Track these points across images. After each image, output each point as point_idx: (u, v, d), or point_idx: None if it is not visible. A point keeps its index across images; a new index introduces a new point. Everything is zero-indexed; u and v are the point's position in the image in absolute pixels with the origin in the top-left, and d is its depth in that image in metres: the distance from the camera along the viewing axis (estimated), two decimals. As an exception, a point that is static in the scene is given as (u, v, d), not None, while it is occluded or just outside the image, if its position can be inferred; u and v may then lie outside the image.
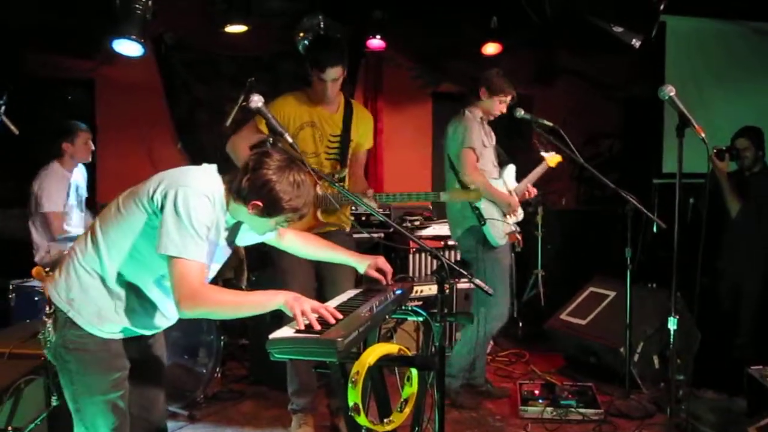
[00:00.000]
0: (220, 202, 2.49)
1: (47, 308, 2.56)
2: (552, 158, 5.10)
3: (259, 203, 2.43)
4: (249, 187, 2.43)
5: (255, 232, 2.65)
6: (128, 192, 2.55)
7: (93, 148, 5.29)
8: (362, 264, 3.08)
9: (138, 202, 2.45)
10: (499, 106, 4.78)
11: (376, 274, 3.06)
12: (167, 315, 2.67)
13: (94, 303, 2.49)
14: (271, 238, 2.90)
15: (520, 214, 4.97)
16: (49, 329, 2.54)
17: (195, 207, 2.35)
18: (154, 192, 2.41)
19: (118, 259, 2.49)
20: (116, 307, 2.52)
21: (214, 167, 2.59)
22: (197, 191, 2.37)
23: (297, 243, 3.10)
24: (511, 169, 5.06)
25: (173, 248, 2.32)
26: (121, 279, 2.51)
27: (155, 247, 2.36)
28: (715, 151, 5.15)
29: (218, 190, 2.49)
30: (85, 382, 2.52)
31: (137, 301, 2.56)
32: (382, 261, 3.07)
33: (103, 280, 2.50)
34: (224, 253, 2.69)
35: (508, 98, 4.78)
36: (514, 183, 5.04)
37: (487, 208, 4.60)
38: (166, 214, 2.34)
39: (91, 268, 2.50)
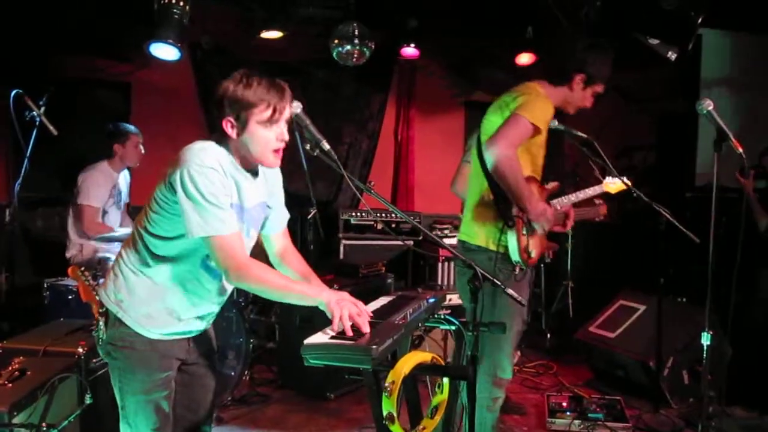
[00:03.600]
0: (231, 164, 2.47)
1: (100, 307, 2.60)
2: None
3: (230, 117, 2.43)
4: (216, 114, 2.45)
5: (263, 153, 2.50)
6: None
7: (143, 152, 5.27)
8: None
9: (158, 190, 2.45)
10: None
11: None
12: (214, 301, 2.68)
13: (142, 303, 2.52)
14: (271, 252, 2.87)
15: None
16: (101, 327, 2.58)
17: (201, 182, 2.32)
18: (167, 177, 2.40)
19: (158, 250, 2.51)
20: (163, 304, 2.54)
21: (211, 142, 2.50)
22: (199, 165, 2.34)
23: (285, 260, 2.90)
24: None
25: (200, 230, 2.33)
26: (164, 272, 2.53)
27: (186, 232, 2.37)
28: (740, 168, 5.08)
29: (223, 155, 2.45)
30: (130, 379, 2.55)
31: (183, 293, 2.57)
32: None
33: (148, 278, 2.53)
34: (257, 216, 2.67)
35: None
36: None
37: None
38: (179, 198, 2.34)
39: (136, 269, 2.54)
